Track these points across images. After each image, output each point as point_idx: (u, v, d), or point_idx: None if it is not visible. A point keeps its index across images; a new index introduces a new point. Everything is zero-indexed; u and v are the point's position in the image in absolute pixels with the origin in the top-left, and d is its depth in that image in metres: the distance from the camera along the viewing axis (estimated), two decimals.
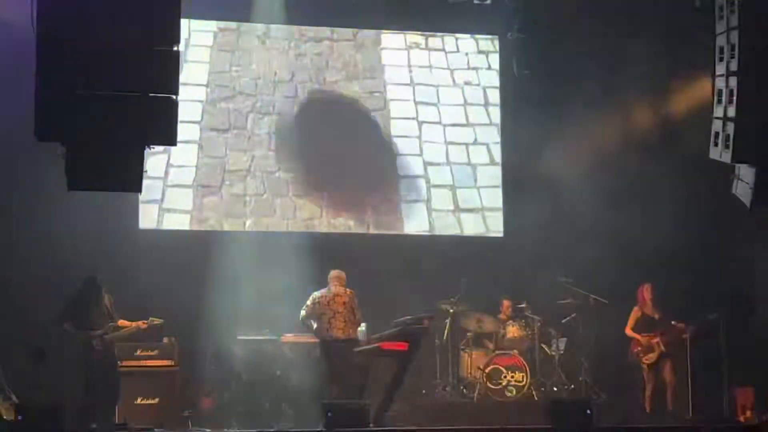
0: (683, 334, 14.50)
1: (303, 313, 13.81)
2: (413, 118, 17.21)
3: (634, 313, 14.68)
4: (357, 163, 16.89)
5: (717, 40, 10.88)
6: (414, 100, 17.25)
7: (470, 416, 14.33)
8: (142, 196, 14.93)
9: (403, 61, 17.33)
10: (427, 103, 17.29)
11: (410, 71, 17.32)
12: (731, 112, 10.56)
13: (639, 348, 14.49)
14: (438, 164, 17.15)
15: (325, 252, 15.63)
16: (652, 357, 14.40)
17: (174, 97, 9.35)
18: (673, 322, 14.69)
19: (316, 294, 13.74)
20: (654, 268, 15.78)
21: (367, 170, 16.95)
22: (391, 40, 17.27)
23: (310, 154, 16.69)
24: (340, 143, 16.85)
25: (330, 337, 13.48)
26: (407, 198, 17.00)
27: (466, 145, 17.32)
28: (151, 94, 9.26)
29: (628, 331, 14.65)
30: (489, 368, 15.09)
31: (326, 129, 16.84)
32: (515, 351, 15.30)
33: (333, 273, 13.90)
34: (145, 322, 13.64)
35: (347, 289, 13.67)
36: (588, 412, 12.31)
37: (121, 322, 13.53)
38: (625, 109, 16.97)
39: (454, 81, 17.41)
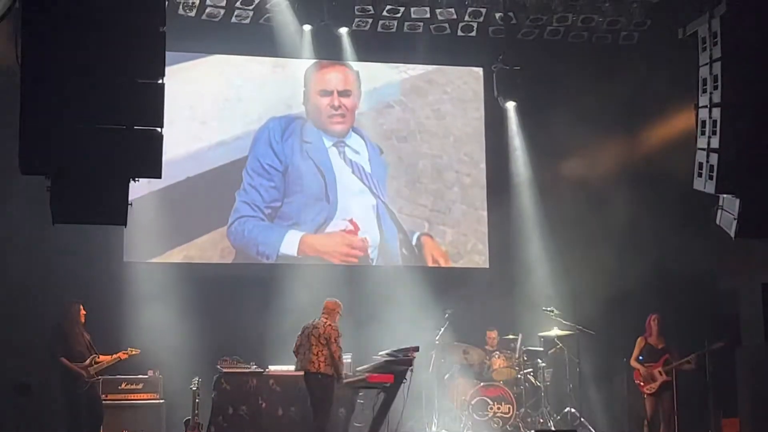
0: (687, 364, 14.43)
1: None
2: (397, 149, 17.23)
3: (639, 343, 14.57)
4: (338, 194, 16.89)
5: (700, 72, 10.93)
6: (396, 130, 17.27)
7: None
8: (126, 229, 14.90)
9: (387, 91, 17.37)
10: (410, 132, 17.32)
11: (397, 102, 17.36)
12: (714, 143, 10.60)
13: (641, 378, 14.40)
14: (422, 193, 17.15)
15: (308, 282, 15.65)
16: (653, 387, 14.28)
17: (159, 129, 9.35)
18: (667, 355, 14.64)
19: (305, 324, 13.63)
20: (640, 299, 15.79)
21: (348, 199, 16.95)
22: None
23: (295, 185, 16.71)
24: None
25: (304, 370, 13.36)
26: (391, 227, 16.98)
27: (453, 174, 17.31)
28: (136, 127, 9.25)
29: (633, 362, 14.56)
30: (475, 400, 15.06)
31: (302, 160, 16.85)
32: (501, 382, 15.28)
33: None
34: (125, 352, 13.63)
35: (322, 320, 13.41)
36: None
37: (101, 357, 13.50)
38: (610, 140, 17.03)
39: (439, 112, 17.42)
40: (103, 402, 13.77)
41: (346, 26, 16.16)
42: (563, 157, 16.85)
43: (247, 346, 15.03)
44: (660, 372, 14.21)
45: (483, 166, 17.37)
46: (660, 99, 16.38)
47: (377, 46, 16.61)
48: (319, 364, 13.04)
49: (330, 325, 13.20)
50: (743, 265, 15.35)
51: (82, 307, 13.56)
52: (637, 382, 14.45)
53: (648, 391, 14.31)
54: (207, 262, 16.18)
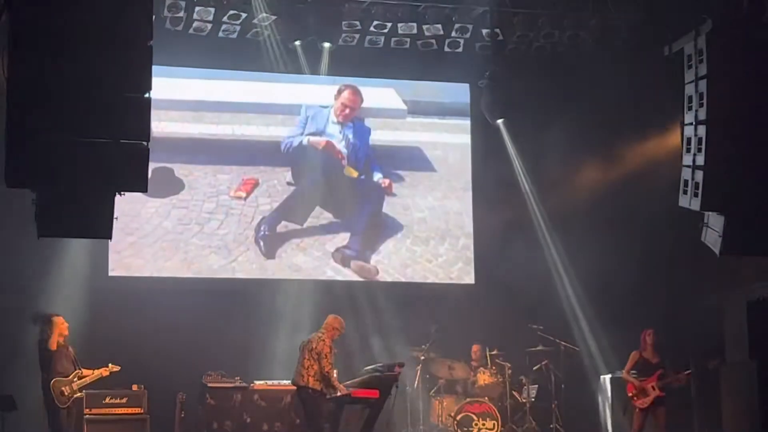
0: (679, 380, 14.43)
1: None
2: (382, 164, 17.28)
3: (633, 357, 14.53)
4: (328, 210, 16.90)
5: (686, 89, 10.98)
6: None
7: None
8: (112, 242, 14.93)
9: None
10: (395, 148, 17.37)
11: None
12: (700, 160, 10.64)
13: (634, 391, 14.37)
14: (408, 210, 17.16)
15: (296, 298, 15.66)
16: (646, 401, 14.25)
17: (145, 143, 9.34)
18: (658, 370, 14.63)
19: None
20: (624, 316, 15.81)
21: (339, 215, 16.96)
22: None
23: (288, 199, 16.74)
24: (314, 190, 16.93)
25: (295, 383, 13.34)
26: (378, 244, 16.99)
27: (437, 190, 17.34)
28: (122, 141, 9.25)
29: (625, 375, 14.55)
30: (460, 416, 15.03)
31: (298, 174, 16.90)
32: (486, 398, 15.27)
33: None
34: (107, 369, 13.58)
35: (318, 334, 13.44)
36: None
37: (84, 371, 13.45)
38: (596, 156, 17.07)
39: (425, 128, 17.46)
40: (87, 416, 13.72)
41: (332, 42, 16.16)
42: (550, 173, 16.87)
43: (232, 361, 15.01)
44: (653, 387, 14.19)
45: (470, 180, 17.39)
46: (645, 115, 16.43)
47: (364, 62, 16.62)
48: (307, 378, 13.02)
49: (324, 340, 13.17)
50: (727, 282, 15.38)
51: (63, 319, 13.50)
52: (630, 395, 14.40)
53: (641, 405, 14.26)
54: (193, 276, 16.14)
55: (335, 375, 13.17)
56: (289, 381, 14.23)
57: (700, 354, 15.52)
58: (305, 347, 13.22)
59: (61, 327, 13.41)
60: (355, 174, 17.03)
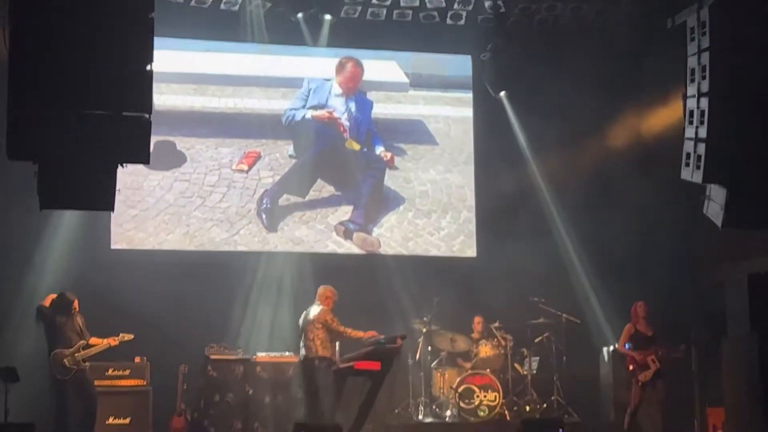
0: (677, 353, 14.46)
1: None
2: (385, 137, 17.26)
3: (627, 330, 14.53)
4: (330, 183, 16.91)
5: (688, 62, 10.94)
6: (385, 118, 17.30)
7: None
8: (114, 215, 14.98)
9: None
10: (397, 121, 17.33)
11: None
12: (702, 132, 10.61)
13: (635, 365, 14.38)
14: (410, 184, 17.17)
15: (298, 271, 15.71)
16: (648, 374, 14.25)
17: (147, 115, 9.33)
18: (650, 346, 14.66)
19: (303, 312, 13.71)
20: (626, 289, 15.84)
21: (341, 188, 16.96)
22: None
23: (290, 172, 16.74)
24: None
25: (303, 356, 13.43)
26: (381, 217, 17.00)
27: (440, 163, 17.33)
28: (124, 113, 9.23)
29: (621, 348, 14.56)
30: (462, 387, 15.09)
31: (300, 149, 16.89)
32: (488, 370, 15.32)
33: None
34: (116, 338, 13.64)
35: (316, 306, 13.50)
36: (560, 431, 12.33)
37: (93, 341, 13.50)
38: (599, 128, 17.04)
39: (427, 101, 17.43)
40: None
41: (334, 14, 16.14)
42: (553, 145, 16.85)
43: (234, 333, 15.06)
44: (653, 360, 14.21)
45: (472, 153, 17.38)
46: (648, 88, 16.39)
47: (366, 35, 16.59)
48: (316, 349, 13.14)
49: (324, 309, 13.31)
50: (729, 255, 15.38)
51: (69, 294, 13.56)
52: (632, 368, 14.42)
53: (642, 379, 14.27)
54: (196, 249, 16.16)
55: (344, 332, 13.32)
56: (291, 353, 14.36)
57: (703, 328, 15.54)
58: (305, 321, 13.31)
59: (63, 299, 13.48)
60: (357, 147, 17.03)
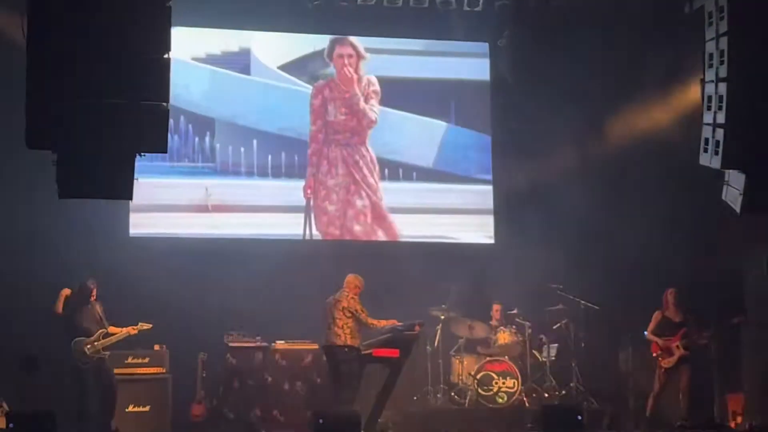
0: (702, 339, 14.44)
1: None
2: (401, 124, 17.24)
3: (656, 317, 14.53)
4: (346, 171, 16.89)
5: (706, 47, 10.90)
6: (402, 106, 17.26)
7: (461, 423, 14.36)
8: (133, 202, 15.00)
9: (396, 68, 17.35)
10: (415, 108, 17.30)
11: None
12: (720, 118, 10.58)
13: (659, 351, 14.37)
14: (428, 170, 17.16)
15: (316, 258, 15.72)
16: (671, 360, 14.23)
17: (165, 104, 9.35)
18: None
19: (327, 300, 13.73)
20: (645, 275, 15.82)
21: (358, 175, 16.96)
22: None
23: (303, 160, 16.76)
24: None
25: (329, 344, 13.46)
26: (398, 204, 16.99)
27: (458, 150, 17.31)
28: (142, 102, 9.26)
29: (649, 335, 14.55)
30: (480, 374, 15.09)
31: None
32: (506, 357, 15.31)
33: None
34: (135, 327, 13.69)
35: (344, 293, 13.55)
36: (579, 417, 12.34)
37: (112, 329, 13.55)
38: (616, 115, 16.99)
39: (445, 87, 17.40)
40: None
41: (350, 1, 16.13)
42: (571, 131, 16.80)
43: (253, 320, 15.06)
44: (677, 346, 14.18)
45: (489, 139, 17.35)
46: (666, 73, 16.32)
47: (382, 21, 16.57)
48: (345, 337, 13.21)
49: (353, 297, 13.39)
50: (748, 241, 15.33)
51: (89, 282, 13.61)
52: (655, 355, 14.41)
53: (666, 365, 14.27)
54: (214, 236, 16.19)
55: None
56: (310, 341, 14.40)
57: (723, 312, 15.49)
58: (334, 307, 13.34)
59: (85, 288, 13.54)
60: None
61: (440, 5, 16.25)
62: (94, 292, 13.62)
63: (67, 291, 13.55)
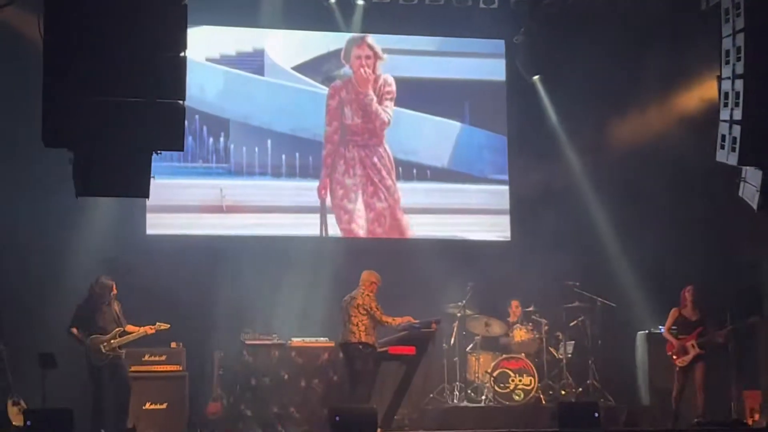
0: (719, 338, 14.39)
1: None
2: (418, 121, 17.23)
3: (673, 314, 14.45)
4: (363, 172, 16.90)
5: (723, 43, 10.88)
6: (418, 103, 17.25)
7: (478, 420, 14.32)
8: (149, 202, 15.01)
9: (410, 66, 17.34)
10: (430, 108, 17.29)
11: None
12: (737, 114, 10.56)
13: (673, 350, 14.33)
14: (443, 168, 17.16)
15: (331, 256, 15.73)
16: (686, 359, 14.18)
17: (181, 102, 9.37)
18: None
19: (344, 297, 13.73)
20: (661, 273, 15.79)
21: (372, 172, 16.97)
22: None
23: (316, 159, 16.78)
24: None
25: (344, 341, 13.48)
26: (413, 204, 17.00)
27: (473, 150, 17.30)
28: (158, 100, 9.27)
29: (665, 332, 14.51)
30: (497, 372, 15.09)
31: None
32: (523, 354, 15.30)
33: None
34: (152, 327, 13.70)
35: (360, 290, 13.51)
36: (596, 415, 12.31)
37: (129, 328, 13.57)
38: (633, 112, 16.94)
39: (460, 84, 17.39)
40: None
41: None
42: (587, 129, 16.78)
43: (270, 318, 15.08)
44: (693, 345, 14.13)
45: (505, 137, 17.33)
46: (682, 70, 16.27)
47: (398, 18, 16.57)
48: (359, 334, 13.20)
49: (368, 295, 13.36)
50: (765, 237, 15.29)
51: (107, 279, 13.64)
52: (669, 354, 14.37)
53: (681, 364, 14.22)
54: (230, 234, 16.22)
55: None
56: (326, 338, 14.42)
57: (739, 311, 15.44)
58: (349, 305, 13.34)
59: (103, 286, 13.58)
60: None
61: (456, 2, 16.24)
62: (114, 288, 13.65)
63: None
